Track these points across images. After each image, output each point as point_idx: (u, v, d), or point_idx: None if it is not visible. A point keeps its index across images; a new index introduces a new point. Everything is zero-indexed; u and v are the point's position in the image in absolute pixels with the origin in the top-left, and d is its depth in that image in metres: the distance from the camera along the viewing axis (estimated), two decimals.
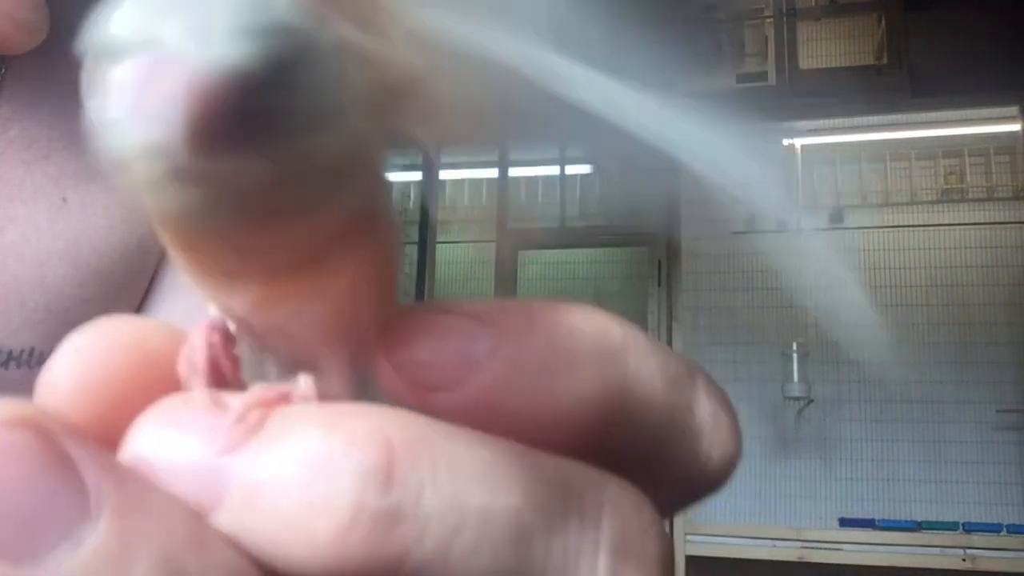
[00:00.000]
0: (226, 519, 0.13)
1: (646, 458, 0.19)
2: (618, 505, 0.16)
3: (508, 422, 0.16)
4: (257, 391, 0.15)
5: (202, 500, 0.13)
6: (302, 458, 0.13)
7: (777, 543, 2.96)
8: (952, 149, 3.27)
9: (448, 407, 0.16)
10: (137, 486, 0.13)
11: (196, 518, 0.13)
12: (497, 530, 0.14)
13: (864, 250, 3.24)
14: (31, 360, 0.42)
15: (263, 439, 0.14)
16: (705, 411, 0.20)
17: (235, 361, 0.17)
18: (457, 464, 0.14)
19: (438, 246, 3.30)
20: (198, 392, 0.15)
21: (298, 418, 0.14)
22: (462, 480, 0.14)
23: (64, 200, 0.42)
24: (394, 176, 3.37)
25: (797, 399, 3.14)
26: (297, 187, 0.14)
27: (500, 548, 0.14)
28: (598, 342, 0.17)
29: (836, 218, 3.27)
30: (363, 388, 0.17)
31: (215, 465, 0.14)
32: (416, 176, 3.30)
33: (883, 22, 3.38)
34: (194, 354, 0.16)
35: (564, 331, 0.17)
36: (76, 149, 0.41)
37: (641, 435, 0.18)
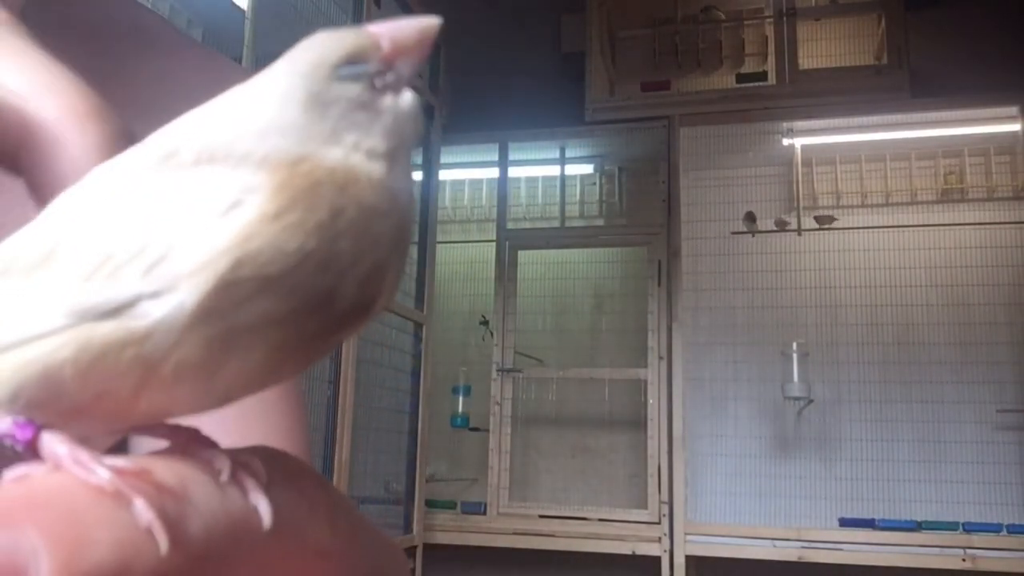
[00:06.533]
0: None
1: None
2: None
3: None
4: None
5: None
6: None
7: (777, 543, 2.96)
8: (952, 149, 3.27)
9: None
10: None
11: None
12: None
13: (864, 250, 3.24)
14: None
15: None
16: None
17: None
18: None
19: (438, 246, 3.30)
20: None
21: None
22: None
23: None
24: None
25: (797, 399, 3.13)
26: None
27: None
28: None
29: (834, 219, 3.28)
30: None
31: None
32: (416, 176, 3.30)
33: (883, 22, 3.38)
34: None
35: None
36: None
37: None
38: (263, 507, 0.18)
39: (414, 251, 3.16)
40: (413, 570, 2.96)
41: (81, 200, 0.18)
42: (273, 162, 0.18)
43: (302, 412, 0.45)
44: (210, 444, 0.19)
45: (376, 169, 0.19)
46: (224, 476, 0.18)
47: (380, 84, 0.20)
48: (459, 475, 3.51)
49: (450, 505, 3.29)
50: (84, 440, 0.17)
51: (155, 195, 0.17)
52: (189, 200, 0.17)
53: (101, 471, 0.16)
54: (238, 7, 2.12)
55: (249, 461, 0.19)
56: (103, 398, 0.17)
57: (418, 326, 3.06)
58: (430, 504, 3.19)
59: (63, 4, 0.43)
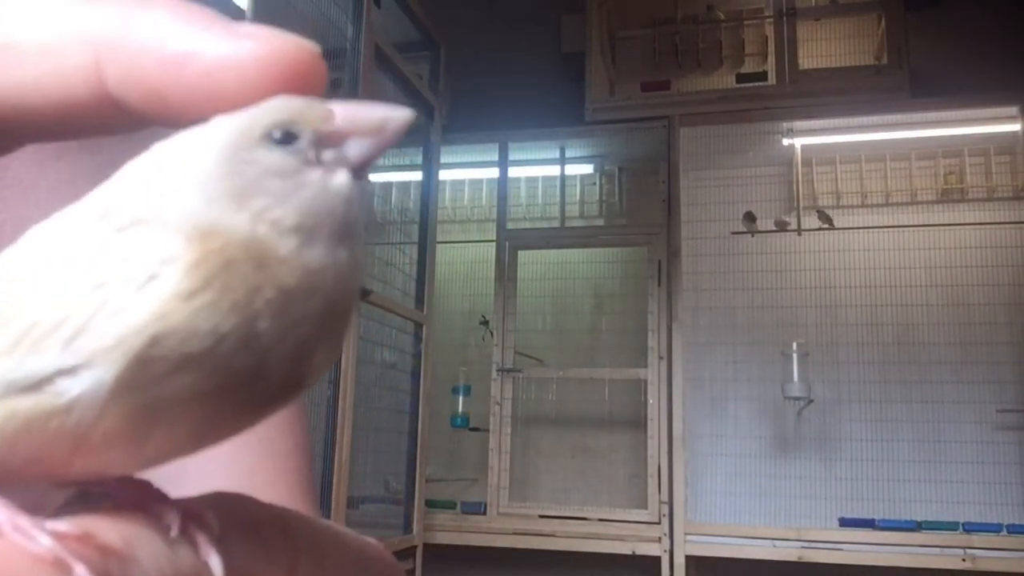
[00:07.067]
0: None
1: None
2: None
3: None
4: None
5: None
6: None
7: (777, 543, 2.96)
8: (952, 149, 3.28)
9: None
10: None
11: None
12: None
13: (864, 250, 3.24)
14: None
15: None
16: None
17: None
18: None
19: (438, 246, 3.30)
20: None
21: None
22: None
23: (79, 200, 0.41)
24: (394, 176, 3.37)
25: (797, 399, 3.14)
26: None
27: None
28: None
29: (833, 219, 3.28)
30: None
31: None
32: (416, 176, 3.30)
33: (883, 22, 3.38)
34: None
35: None
36: (89, 148, 0.40)
37: None
38: (214, 562, 0.17)
39: (414, 251, 3.16)
40: (413, 570, 2.97)
41: (13, 264, 0.18)
42: (191, 230, 0.17)
43: (302, 411, 0.45)
44: (160, 497, 0.19)
45: (287, 246, 0.18)
46: (173, 532, 0.17)
47: (312, 158, 0.18)
48: (459, 475, 3.51)
49: (450, 505, 3.30)
50: (42, 495, 0.17)
51: (81, 262, 0.17)
52: (111, 270, 0.17)
53: (41, 537, 0.15)
54: (238, 7, 2.12)
55: (202, 512, 0.18)
56: (35, 463, 0.17)
57: (418, 326, 3.06)
58: (430, 504, 3.19)
59: None
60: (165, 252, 0.17)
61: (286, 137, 0.18)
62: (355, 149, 0.19)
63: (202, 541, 0.18)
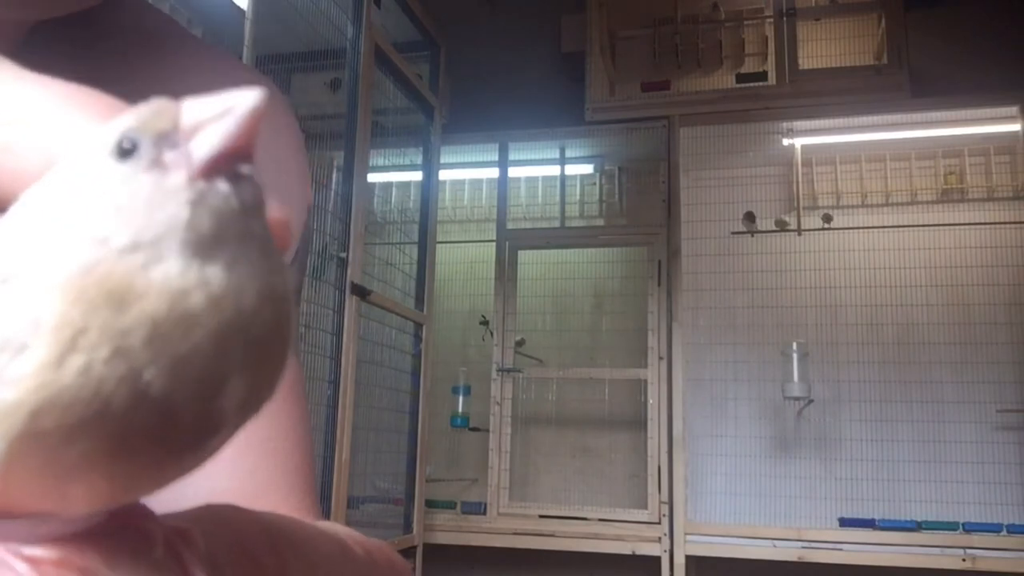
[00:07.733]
0: None
1: None
2: None
3: None
4: None
5: None
6: None
7: (777, 543, 2.96)
8: (952, 149, 3.27)
9: None
10: None
11: None
12: None
13: (864, 250, 3.24)
14: None
15: None
16: None
17: None
18: None
19: (438, 246, 3.30)
20: None
21: None
22: None
23: None
24: (394, 176, 3.37)
25: (797, 399, 3.14)
26: None
27: None
28: None
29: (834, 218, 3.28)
30: None
31: None
32: (416, 176, 3.30)
33: (883, 22, 3.38)
34: None
35: None
36: None
37: None
38: None
39: (414, 251, 3.16)
40: (413, 570, 2.97)
41: None
42: (55, 280, 0.16)
43: (305, 412, 0.45)
44: (146, 515, 0.18)
45: (131, 267, 0.16)
46: (158, 551, 0.17)
47: (151, 162, 0.16)
48: (459, 475, 3.51)
49: (450, 505, 3.30)
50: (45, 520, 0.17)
51: None
52: None
53: (19, 565, 0.15)
54: (238, 7, 2.12)
55: (187, 530, 0.18)
56: None
57: (418, 326, 3.06)
58: (430, 504, 3.19)
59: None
60: (33, 311, 0.15)
61: (133, 146, 0.16)
62: (201, 144, 0.16)
63: (188, 558, 0.17)
